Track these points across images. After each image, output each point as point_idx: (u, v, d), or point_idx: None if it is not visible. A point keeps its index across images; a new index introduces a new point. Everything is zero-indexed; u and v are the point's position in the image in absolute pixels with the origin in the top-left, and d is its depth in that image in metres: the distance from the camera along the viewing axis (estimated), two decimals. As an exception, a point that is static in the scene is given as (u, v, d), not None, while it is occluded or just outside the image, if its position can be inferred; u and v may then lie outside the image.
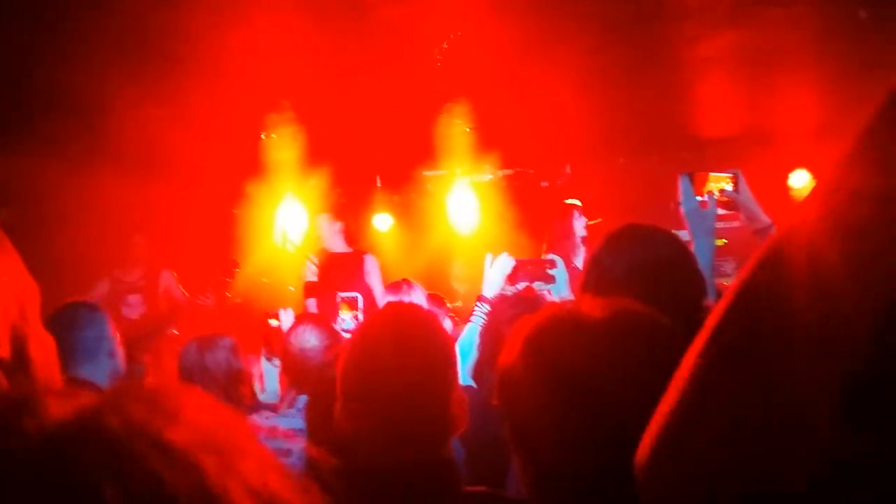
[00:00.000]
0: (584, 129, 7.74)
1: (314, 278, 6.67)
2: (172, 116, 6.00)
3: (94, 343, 2.84)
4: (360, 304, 4.50)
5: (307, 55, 5.25)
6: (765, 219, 2.70)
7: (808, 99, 6.98)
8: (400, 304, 2.68)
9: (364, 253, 6.82)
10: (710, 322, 0.72)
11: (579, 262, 6.07)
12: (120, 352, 2.94)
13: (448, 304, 6.26)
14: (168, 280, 7.01)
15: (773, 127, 7.65)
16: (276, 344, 4.42)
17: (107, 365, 2.85)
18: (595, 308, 1.19)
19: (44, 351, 0.95)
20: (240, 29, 4.71)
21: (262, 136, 7.01)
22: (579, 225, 6.23)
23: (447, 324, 5.54)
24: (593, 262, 2.00)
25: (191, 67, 5.19)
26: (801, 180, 8.45)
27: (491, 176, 9.06)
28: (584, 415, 1.10)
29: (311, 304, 6.44)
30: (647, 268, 1.91)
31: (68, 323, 2.81)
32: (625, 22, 5.11)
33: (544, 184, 9.22)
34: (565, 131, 7.78)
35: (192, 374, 3.45)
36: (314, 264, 6.68)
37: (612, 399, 1.09)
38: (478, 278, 8.27)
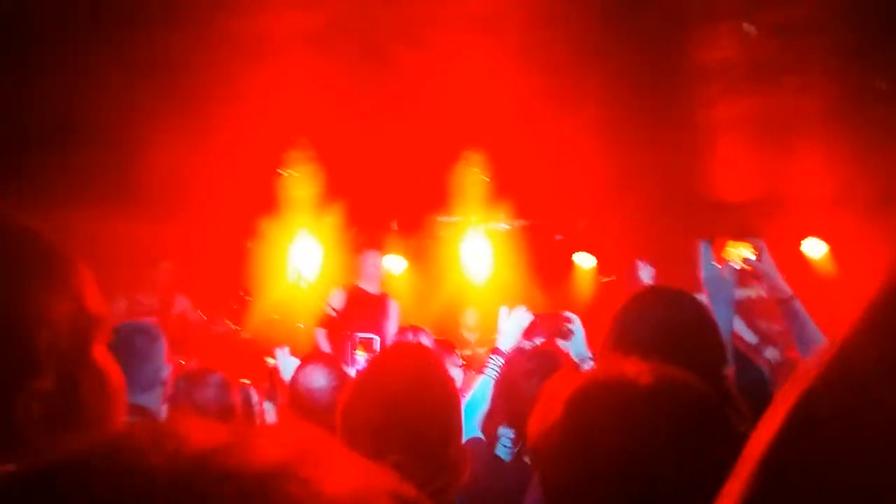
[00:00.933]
0: (599, 184, 7.78)
1: (333, 313, 6.68)
2: (190, 151, 6.09)
3: (152, 373, 2.88)
4: (377, 346, 4.48)
5: (327, 96, 5.33)
6: (787, 289, 2.68)
7: (824, 167, 7.01)
8: (407, 345, 2.67)
9: (389, 297, 6.82)
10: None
11: None
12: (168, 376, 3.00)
13: (458, 352, 6.24)
14: (183, 304, 7.05)
15: (788, 194, 7.66)
16: (273, 384, 4.37)
17: (160, 393, 2.91)
18: (640, 374, 1.18)
19: (99, 380, 0.93)
20: (262, 68, 4.78)
21: (280, 173, 7.08)
22: (645, 275, 6.24)
23: (457, 372, 5.52)
24: (617, 322, 1.98)
25: (211, 103, 5.27)
26: (814, 248, 8.42)
27: (505, 225, 9.09)
28: (623, 485, 1.09)
29: (322, 336, 6.44)
30: (671, 331, 1.90)
31: (128, 352, 2.85)
32: (646, 80, 5.16)
33: (558, 237, 9.24)
34: (581, 185, 7.83)
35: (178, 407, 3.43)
36: (332, 307, 6.69)
37: (653, 471, 1.08)
38: (488, 327, 8.29)
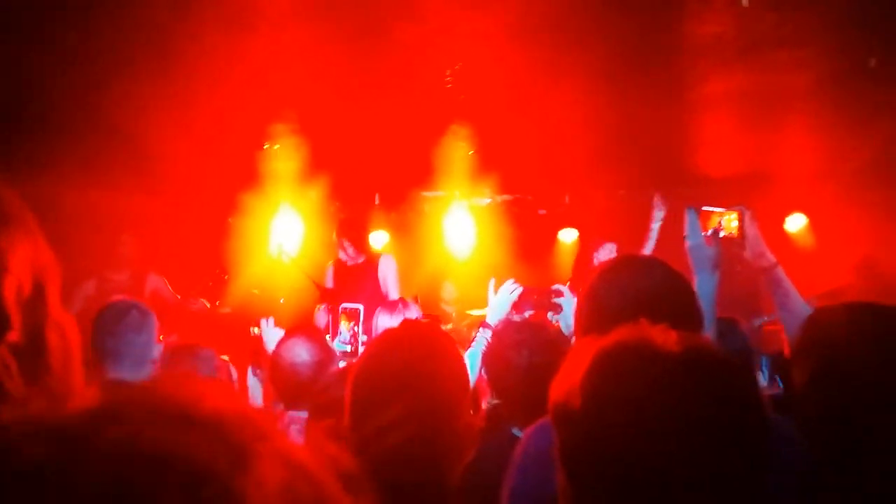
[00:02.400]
0: (585, 159, 7.74)
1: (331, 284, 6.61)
2: (173, 123, 5.97)
3: (143, 349, 2.85)
4: (361, 316, 4.41)
5: (313, 69, 5.24)
6: (770, 257, 2.68)
7: (811, 142, 7.02)
8: (415, 322, 2.63)
9: (378, 256, 6.75)
10: None
11: None
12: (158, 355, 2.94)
13: (442, 327, 6.21)
14: (156, 283, 6.94)
15: (774, 169, 7.67)
16: (258, 354, 4.31)
17: (149, 369, 2.87)
18: (667, 341, 1.15)
19: (60, 333, 0.89)
20: (249, 38, 4.68)
21: (265, 146, 6.98)
22: (604, 255, 6.28)
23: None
24: (589, 294, 1.99)
25: (195, 74, 5.16)
26: (797, 224, 8.48)
27: (489, 200, 9.06)
28: (646, 452, 1.06)
29: (322, 313, 6.35)
30: (642, 298, 1.89)
31: (120, 323, 2.81)
32: (635, 56, 5.12)
33: (542, 211, 9.22)
34: (567, 160, 7.79)
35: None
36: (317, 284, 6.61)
37: (680, 438, 1.06)
38: (468, 301, 8.27)
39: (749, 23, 4.50)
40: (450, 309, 8.43)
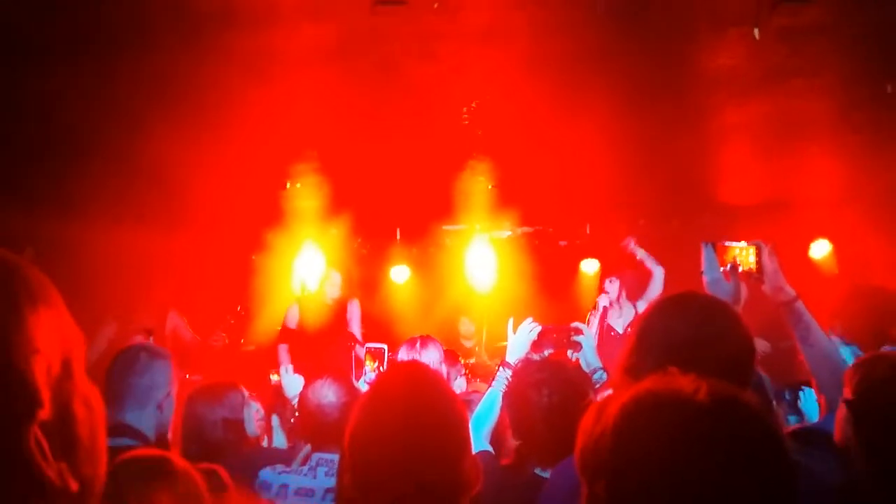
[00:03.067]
0: (605, 190, 7.76)
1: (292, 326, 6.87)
2: (198, 163, 6.08)
3: (145, 391, 2.83)
4: (386, 355, 4.43)
5: (335, 108, 5.32)
6: (790, 291, 2.66)
7: (831, 169, 7.00)
8: (411, 363, 2.65)
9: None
10: None
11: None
12: (172, 402, 2.93)
13: (462, 361, 6.22)
14: (175, 321, 7.01)
15: (796, 196, 7.65)
16: (277, 399, 4.36)
17: (153, 415, 2.84)
18: (697, 390, 1.14)
19: (87, 407, 0.92)
20: (271, 82, 4.77)
21: (287, 185, 7.08)
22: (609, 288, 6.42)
23: (461, 381, 5.48)
24: (646, 328, 1.93)
25: (219, 116, 5.25)
26: (821, 250, 8.42)
27: (510, 233, 9.08)
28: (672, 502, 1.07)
29: (283, 352, 6.64)
30: (701, 339, 1.85)
31: (125, 367, 2.83)
32: (651, 88, 5.14)
33: (563, 243, 9.23)
34: (587, 191, 7.81)
35: (196, 423, 3.41)
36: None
37: (705, 491, 1.05)
38: (489, 335, 8.24)
39: (762, 54, 4.52)
40: (469, 343, 8.44)
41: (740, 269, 2.66)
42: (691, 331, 1.88)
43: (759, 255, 2.72)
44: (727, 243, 2.75)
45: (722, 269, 2.60)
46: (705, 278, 2.57)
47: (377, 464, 1.64)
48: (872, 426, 1.57)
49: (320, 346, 6.47)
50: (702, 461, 1.07)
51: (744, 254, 2.73)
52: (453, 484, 1.65)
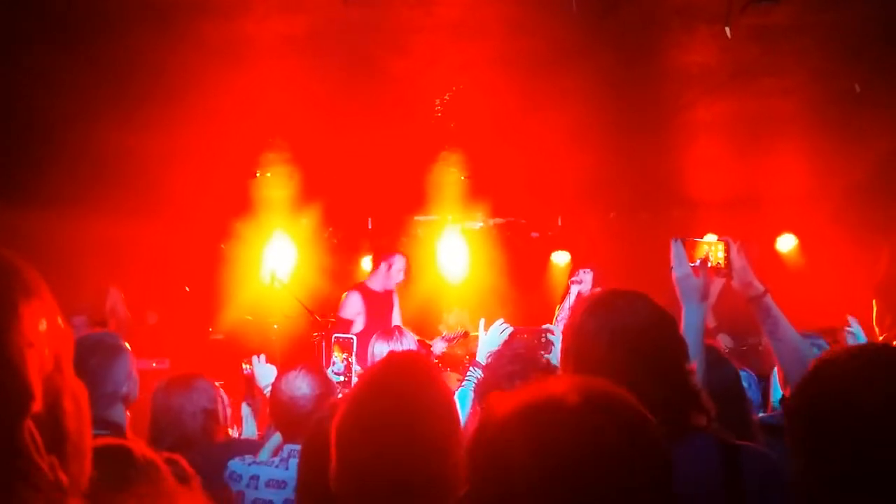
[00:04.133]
0: (577, 183, 7.80)
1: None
2: (167, 151, 6.01)
3: (113, 390, 2.87)
4: (355, 346, 4.41)
5: (306, 99, 5.28)
6: (759, 286, 2.69)
7: (798, 165, 7.09)
8: (403, 354, 2.63)
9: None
10: None
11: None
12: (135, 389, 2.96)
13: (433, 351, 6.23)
14: (115, 297, 6.85)
15: (763, 192, 7.75)
16: (250, 389, 4.33)
17: (123, 408, 2.92)
18: (568, 393, 1.14)
19: (75, 402, 0.93)
20: (242, 70, 4.72)
21: (257, 174, 7.02)
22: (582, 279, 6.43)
23: (433, 372, 5.50)
24: (577, 331, 2.00)
25: (188, 103, 5.19)
26: (787, 244, 8.55)
27: (482, 224, 9.11)
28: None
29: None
30: (628, 336, 1.93)
31: (83, 371, 2.82)
32: (621, 84, 5.17)
33: (534, 234, 9.27)
34: (558, 184, 7.85)
35: (165, 413, 3.38)
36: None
37: (576, 493, 1.06)
38: (462, 325, 8.26)
39: (734, 53, 4.56)
40: (448, 333, 8.45)
41: (709, 265, 2.69)
42: (630, 322, 1.96)
43: (727, 251, 2.75)
44: (696, 239, 2.77)
45: (691, 264, 2.63)
46: (674, 274, 2.59)
47: (366, 458, 1.62)
48: (800, 425, 1.59)
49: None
50: (573, 461, 1.07)
51: (713, 249, 2.76)
52: (440, 478, 1.64)
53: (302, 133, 6.02)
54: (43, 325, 0.90)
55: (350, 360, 4.32)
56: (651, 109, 5.67)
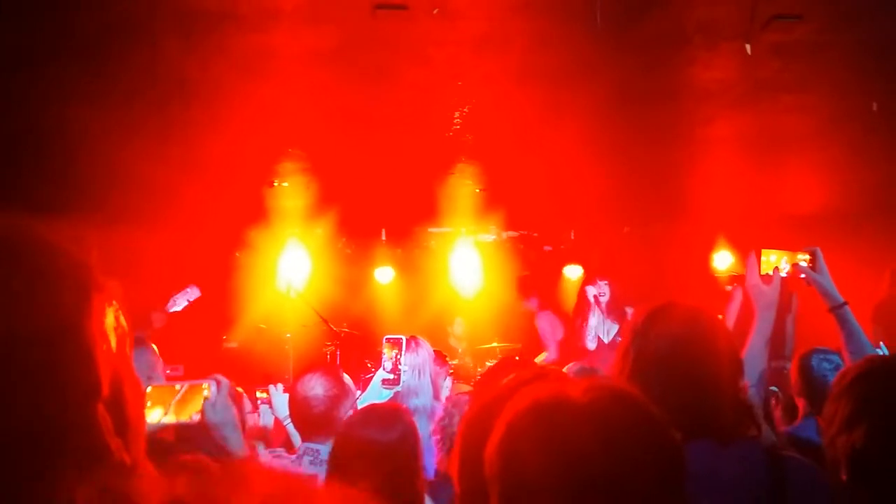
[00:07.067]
0: (591, 197, 7.82)
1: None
2: (184, 160, 6.05)
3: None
4: (404, 345, 4.43)
5: (325, 108, 5.30)
6: (838, 297, 2.76)
7: (815, 182, 7.10)
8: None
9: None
10: None
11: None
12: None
13: (449, 362, 6.24)
14: (159, 321, 6.93)
15: (779, 208, 7.75)
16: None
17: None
18: (578, 391, 1.16)
19: (135, 391, 0.99)
20: (261, 80, 4.74)
21: (274, 184, 7.06)
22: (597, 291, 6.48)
23: (448, 382, 5.51)
24: (637, 333, 2.00)
25: (206, 113, 5.22)
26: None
27: (495, 237, 9.13)
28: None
29: None
30: (683, 346, 1.93)
31: None
32: (639, 98, 5.19)
33: (547, 248, 9.29)
34: (573, 198, 7.87)
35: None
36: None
37: (585, 489, 1.08)
38: (474, 337, 8.27)
39: (753, 69, 4.58)
40: (458, 344, 8.47)
41: (784, 275, 2.75)
42: (679, 334, 1.95)
43: (813, 261, 2.81)
44: (776, 250, 2.84)
45: (762, 274, 2.71)
46: (747, 283, 2.67)
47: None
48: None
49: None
50: (576, 459, 1.09)
51: (787, 259, 2.82)
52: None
53: (319, 143, 6.05)
54: (110, 318, 0.95)
55: (399, 357, 4.34)
56: (669, 124, 5.69)
